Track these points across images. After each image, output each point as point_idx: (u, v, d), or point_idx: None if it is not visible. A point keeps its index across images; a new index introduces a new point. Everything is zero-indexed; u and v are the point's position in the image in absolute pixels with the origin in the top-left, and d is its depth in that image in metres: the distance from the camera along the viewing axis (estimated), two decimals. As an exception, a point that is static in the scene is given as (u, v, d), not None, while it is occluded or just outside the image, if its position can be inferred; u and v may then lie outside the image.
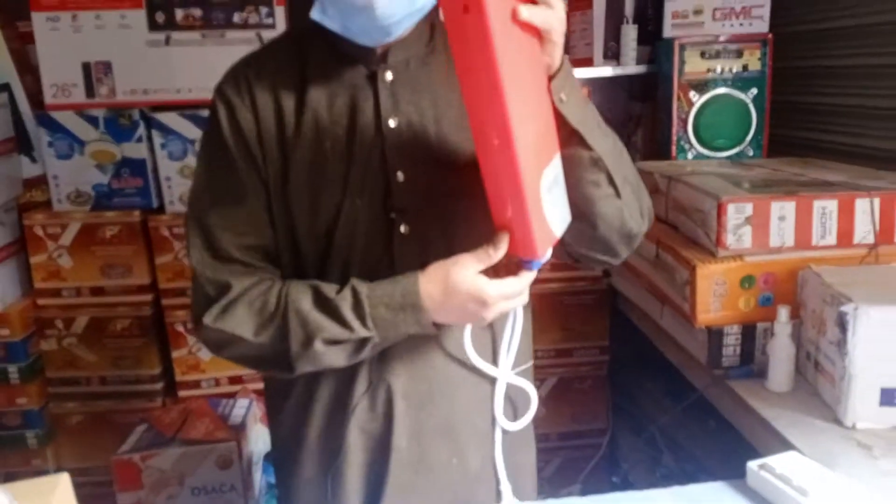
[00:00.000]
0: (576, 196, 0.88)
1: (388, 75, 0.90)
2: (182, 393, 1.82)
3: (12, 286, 1.78)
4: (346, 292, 0.87)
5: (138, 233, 1.76)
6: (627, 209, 0.91)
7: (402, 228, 0.91)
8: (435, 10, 0.90)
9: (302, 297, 0.88)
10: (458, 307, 0.85)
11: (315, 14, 0.87)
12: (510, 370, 0.97)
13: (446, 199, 0.91)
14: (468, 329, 0.92)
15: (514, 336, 0.96)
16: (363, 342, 0.87)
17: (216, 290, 0.90)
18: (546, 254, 0.84)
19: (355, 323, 0.86)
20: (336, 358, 0.89)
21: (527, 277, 0.86)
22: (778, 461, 0.94)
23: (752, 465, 0.94)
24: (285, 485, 1.05)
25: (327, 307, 0.87)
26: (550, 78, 0.81)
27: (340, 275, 0.91)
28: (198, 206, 0.94)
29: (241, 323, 0.89)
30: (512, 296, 0.86)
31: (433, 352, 0.96)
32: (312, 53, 0.93)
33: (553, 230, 0.83)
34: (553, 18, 0.77)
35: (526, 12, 0.73)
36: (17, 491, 0.84)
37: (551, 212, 0.81)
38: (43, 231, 1.75)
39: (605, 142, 0.88)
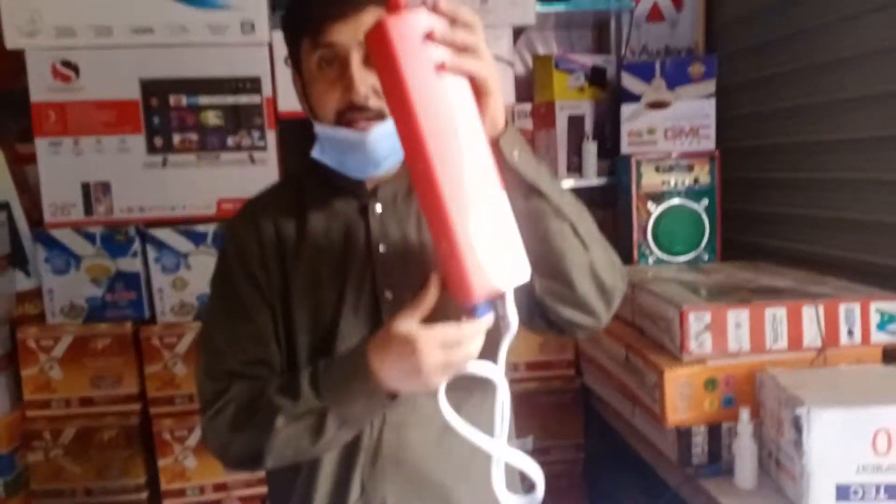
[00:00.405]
0: (545, 250, 0.89)
1: (378, 207, 1.04)
2: (167, 502, 1.83)
3: (1, 399, 1.81)
4: (308, 368, 0.94)
5: (129, 343, 1.82)
6: (598, 261, 0.93)
7: None
8: None
9: (273, 384, 0.96)
10: (395, 359, 0.84)
11: (315, 153, 1.02)
12: (505, 443, 0.87)
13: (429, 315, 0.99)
14: (442, 388, 0.85)
15: (505, 412, 0.87)
16: (322, 416, 0.90)
17: (214, 395, 0.99)
18: (487, 307, 0.81)
19: (309, 393, 0.91)
20: (300, 438, 0.92)
21: (469, 327, 0.81)
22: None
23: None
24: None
25: (289, 386, 0.93)
26: (498, 137, 0.84)
27: None
28: (208, 326, 1.06)
29: (228, 419, 0.96)
30: (450, 344, 0.82)
31: (426, 459, 1.03)
32: (310, 189, 1.07)
33: (494, 278, 0.78)
34: (482, 67, 0.79)
35: (451, 61, 0.77)
36: None
37: (492, 257, 0.78)
38: (36, 344, 1.80)
39: (564, 195, 0.91)
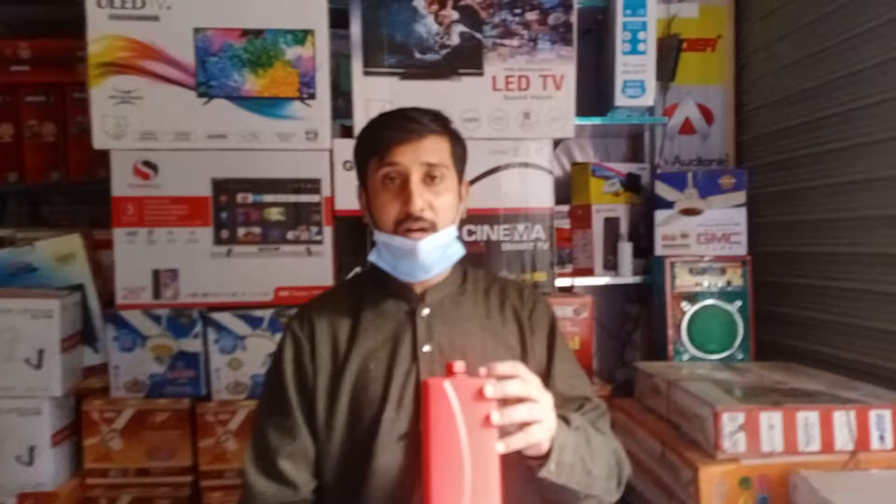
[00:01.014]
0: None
1: (425, 311, 1.16)
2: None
3: (64, 466, 1.91)
4: None
5: (186, 419, 1.92)
6: (603, 492, 1.09)
7: None
8: (466, 261, 1.20)
9: None
10: None
11: (372, 256, 1.17)
12: None
13: None
14: None
15: None
16: None
17: (249, 495, 1.13)
18: None
19: None
20: None
21: None
22: None
23: None
24: None
25: None
26: (541, 460, 0.98)
27: (370, 482, 1.09)
28: (257, 421, 1.19)
29: None
30: None
31: None
32: (366, 291, 1.21)
33: None
34: (533, 411, 0.94)
35: (503, 415, 0.91)
36: None
37: None
38: (99, 415, 1.91)
39: (583, 477, 1.04)
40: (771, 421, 1.46)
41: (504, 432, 0.93)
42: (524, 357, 1.17)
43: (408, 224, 1.10)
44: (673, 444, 1.61)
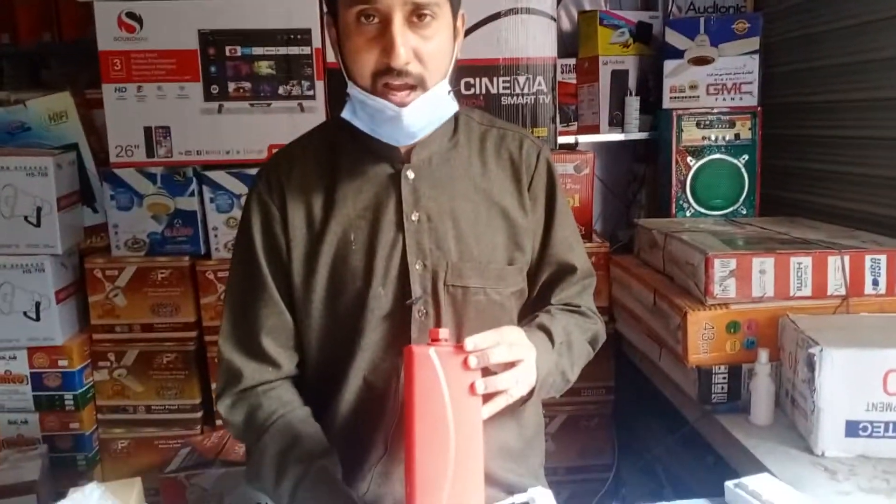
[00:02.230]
0: None
1: (410, 174, 1.01)
2: (219, 421, 1.98)
3: (71, 322, 1.98)
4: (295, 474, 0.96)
5: (187, 276, 1.95)
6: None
7: (418, 313, 1.01)
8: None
9: (273, 432, 1.00)
10: None
11: (346, 114, 0.98)
12: None
13: (460, 287, 1.02)
14: None
15: None
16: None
17: (229, 376, 1.04)
18: None
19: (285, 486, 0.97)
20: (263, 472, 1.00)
21: None
22: (751, 481, 1.08)
23: (729, 483, 1.08)
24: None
25: (280, 465, 0.98)
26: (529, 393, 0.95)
27: (356, 358, 1.02)
28: (230, 295, 1.07)
29: (236, 421, 1.03)
30: None
31: None
32: (342, 148, 1.04)
33: None
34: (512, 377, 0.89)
35: (486, 383, 0.86)
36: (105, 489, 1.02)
37: None
38: (102, 273, 1.95)
39: (562, 385, 1.05)
40: (763, 266, 1.44)
41: (486, 397, 0.89)
42: (521, 217, 1.07)
43: (388, 78, 0.91)
44: (664, 293, 1.60)
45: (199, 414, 2.00)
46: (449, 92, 1.00)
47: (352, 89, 0.97)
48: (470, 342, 0.86)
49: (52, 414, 1.94)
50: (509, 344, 0.90)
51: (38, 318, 1.89)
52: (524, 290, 1.10)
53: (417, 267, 1.01)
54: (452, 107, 1.00)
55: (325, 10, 1.03)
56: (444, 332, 0.87)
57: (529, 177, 1.09)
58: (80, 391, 1.93)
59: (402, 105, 0.93)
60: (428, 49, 0.93)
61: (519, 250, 1.07)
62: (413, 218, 1.01)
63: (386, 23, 0.90)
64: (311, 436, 1.00)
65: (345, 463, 1.02)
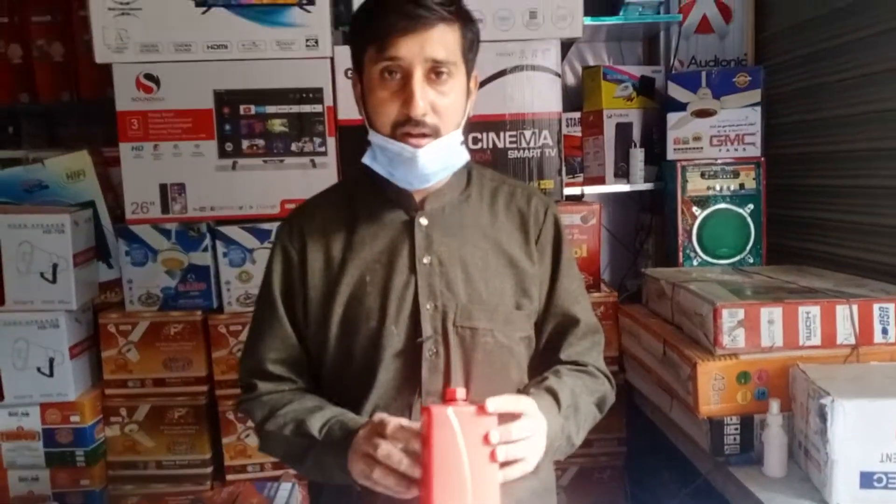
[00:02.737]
0: None
1: (424, 220, 1.08)
2: (230, 477, 1.97)
3: (84, 377, 1.99)
4: (318, 432, 1.01)
5: (199, 330, 1.97)
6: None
7: (428, 353, 1.05)
8: (473, 160, 1.12)
9: (292, 414, 1.05)
10: (355, 453, 0.93)
11: (366, 159, 1.07)
12: None
13: (468, 328, 1.06)
14: None
15: None
16: (309, 445, 1.01)
17: (247, 390, 1.13)
18: None
19: (310, 456, 1.01)
20: (280, 444, 1.06)
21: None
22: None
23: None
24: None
25: (299, 436, 1.03)
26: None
27: (370, 395, 1.05)
28: (250, 329, 1.17)
29: (255, 418, 1.11)
30: (396, 463, 0.88)
31: None
32: (361, 198, 1.12)
33: None
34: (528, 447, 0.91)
35: (506, 452, 0.88)
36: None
37: None
38: (115, 328, 1.97)
39: (568, 448, 1.06)
40: (771, 316, 1.45)
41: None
42: (528, 266, 1.11)
43: (407, 128, 0.99)
44: (674, 344, 1.60)
45: (210, 469, 1.99)
46: (462, 143, 1.07)
47: (373, 136, 1.05)
48: (492, 404, 0.87)
49: (63, 470, 1.93)
50: (527, 415, 0.92)
51: (51, 374, 1.91)
52: (532, 338, 1.13)
53: (428, 307, 1.05)
54: (464, 156, 1.08)
55: (349, 75, 1.12)
56: (460, 392, 0.88)
57: (538, 230, 1.14)
58: (91, 447, 1.93)
59: (418, 147, 1.00)
60: (443, 103, 1.01)
61: (526, 297, 1.11)
62: (425, 261, 1.07)
63: (407, 78, 0.99)
64: (330, 405, 1.06)
65: None
